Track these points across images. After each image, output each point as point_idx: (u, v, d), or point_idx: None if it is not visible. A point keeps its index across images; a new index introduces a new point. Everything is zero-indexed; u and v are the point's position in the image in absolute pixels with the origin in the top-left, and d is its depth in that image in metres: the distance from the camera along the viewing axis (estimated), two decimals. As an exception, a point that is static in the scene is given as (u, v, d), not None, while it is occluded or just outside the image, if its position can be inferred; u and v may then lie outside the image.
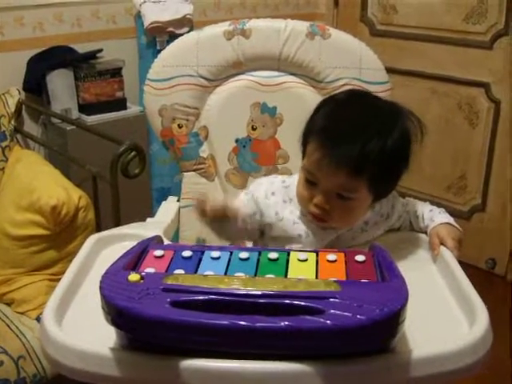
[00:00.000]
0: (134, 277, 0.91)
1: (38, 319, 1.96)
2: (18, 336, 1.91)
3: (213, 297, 0.87)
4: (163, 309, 0.84)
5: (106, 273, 0.94)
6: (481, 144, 2.97)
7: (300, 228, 1.28)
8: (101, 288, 0.89)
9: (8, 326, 1.95)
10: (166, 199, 1.72)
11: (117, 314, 0.86)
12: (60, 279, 1.90)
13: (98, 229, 2.12)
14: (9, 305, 2.06)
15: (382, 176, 1.17)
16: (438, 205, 3.02)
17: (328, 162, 1.14)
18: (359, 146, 1.12)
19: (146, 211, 2.63)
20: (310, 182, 1.20)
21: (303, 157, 1.24)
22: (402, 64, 3.04)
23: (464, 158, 3.04)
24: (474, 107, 2.96)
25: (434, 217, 1.32)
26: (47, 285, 2.05)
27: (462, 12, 2.88)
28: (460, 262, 1.18)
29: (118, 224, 2.02)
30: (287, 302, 0.86)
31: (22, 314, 2.01)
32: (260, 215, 1.29)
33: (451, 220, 1.30)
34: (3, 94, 2.46)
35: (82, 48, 2.65)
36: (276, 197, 1.31)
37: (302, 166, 1.22)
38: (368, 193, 1.18)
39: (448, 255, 1.20)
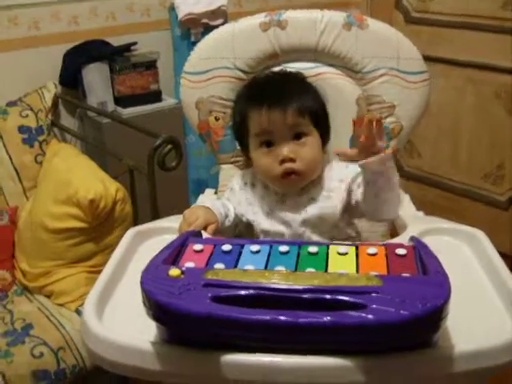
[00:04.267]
0: (174, 271, 0.91)
1: (78, 311, 1.99)
2: (57, 328, 1.93)
3: (254, 292, 0.86)
4: (204, 304, 0.83)
5: (146, 267, 0.94)
6: (519, 132, 2.92)
7: (265, 207, 1.41)
8: (142, 283, 0.89)
9: (48, 318, 1.97)
10: (203, 192, 1.72)
11: (158, 310, 0.86)
12: (98, 271, 1.93)
13: (136, 221, 2.14)
14: (48, 297, 2.09)
15: (317, 112, 1.36)
16: (475, 194, 3.05)
17: (274, 109, 1.30)
18: (293, 88, 1.35)
19: (183, 203, 2.64)
20: (267, 142, 1.34)
21: (245, 141, 1.41)
22: (437, 52, 2.99)
23: (502, 146, 2.99)
24: (512, 95, 2.91)
25: None
26: (86, 277, 2.07)
27: (500, -2, 2.83)
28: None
29: (155, 216, 2.03)
30: (329, 296, 0.85)
31: (61, 305, 2.04)
32: (233, 213, 1.42)
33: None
34: (40, 89, 2.49)
35: (116, 41, 2.66)
36: (247, 186, 1.45)
37: (252, 141, 1.37)
38: (315, 130, 1.35)
39: (488, 246, 1.18)
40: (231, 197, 1.46)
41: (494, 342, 0.91)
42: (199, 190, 2.70)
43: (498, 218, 3.04)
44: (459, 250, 1.24)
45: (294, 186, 1.37)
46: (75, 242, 2.05)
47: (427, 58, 1.48)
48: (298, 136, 1.32)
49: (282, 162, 1.31)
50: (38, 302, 2.08)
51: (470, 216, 3.11)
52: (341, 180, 1.36)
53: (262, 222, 1.40)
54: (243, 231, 1.46)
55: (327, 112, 1.41)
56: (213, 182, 1.68)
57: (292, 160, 1.31)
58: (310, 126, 1.34)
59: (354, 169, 1.34)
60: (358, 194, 1.31)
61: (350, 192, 1.35)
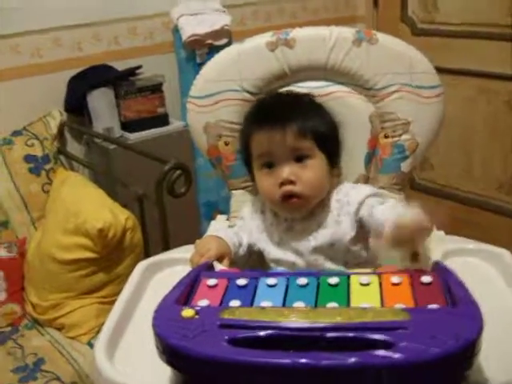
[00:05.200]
0: (187, 312, 0.86)
1: (90, 344, 1.96)
2: (69, 362, 1.90)
3: (273, 332, 0.81)
4: (221, 348, 0.78)
5: (158, 308, 0.89)
6: (533, 142, 2.87)
7: (275, 236, 1.36)
8: (154, 326, 0.85)
9: (60, 352, 1.94)
10: (214, 216, 1.67)
11: (172, 354, 0.82)
12: (110, 302, 1.89)
13: (147, 249, 2.10)
14: (59, 330, 2.06)
15: (323, 134, 1.30)
16: (490, 205, 3.00)
17: (275, 130, 1.26)
18: (296, 109, 1.31)
19: (194, 227, 2.62)
20: (268, 164, 1.29)
21: (249, 162, 1.36)
22: (446, 63, 2.95)
23: (516, 156, 2.95)
24: (525, 104, 2.86)
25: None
26: (97, 308, 2.03)
27: (507, 6, 2.78)
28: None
29: (166, 244, 1.99)
30: (353, 335, 0.80)
31: (73, 338, 2.01)
32: (246, 242, 1.36)
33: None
34: (45, 117, 2.47)
35: (120, 65, 2.63)
36: (257, 213, 1.41)
37: (255, 163, 1.33)
38: (321, 154, 1.29)
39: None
40: (243, 226, 1.41)
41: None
42: (210, 213, 2.69)
43: (513, 228, 2.99)
44: (486, 272, 1.19)
45: (296, 211, 1.32)
46: (85, 272, 2.01)
47: (436, 69, 1.43)
48: (299, 158, 1.28)
49: (282, 184, 1.26)
50: (49, 335, 2.04)
51: (486, 227, 3.06)
52: (348, 202, 1.31)
53: (273, 250, 1.35)
54: (257, 260, 1.41)
55: (337, 134, 1.36)
56: (223, 205, 1.65)
57: (292, 182, 1.26)
58: (314, 148, 1.28)
59: (361, 190, 1.32)
60: (370, 222, 1.25)
61: (361, 217, 1.29)
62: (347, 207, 1.30)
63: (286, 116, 1.28)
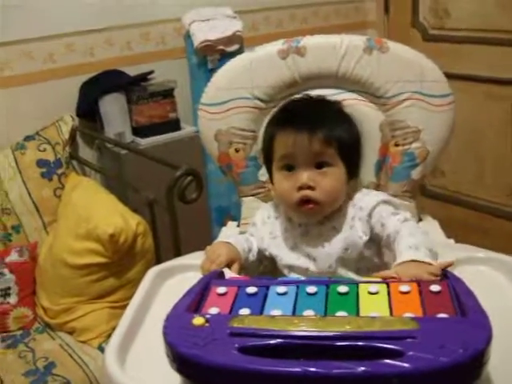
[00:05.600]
0: (198, 320, 0.86)
1: (101, 348, 1.96)
2: (80, 366, 1.90)
3: (283, 340, 0.82)
4: (231, 356, 0.79)
5: (168, 316, 0.90)
6: (544, 147, 2.86)
7: (289, 241, 1.37)
8: (164, 334, 0.85)
9: (70, 356, 1.95)
10: (225, 222, 1.68)
11: (182, 362, 0.82)
12: (121, 306, 1.90)
13: (158, 254, 2.11)
14: (71, 334, 2.06)
15: (347, 145, 1.30)
16: (502, 212, 2.99)
17: (301, 134, 1.26)
18: (325, 116, 1.32)
19: (206, 232, 2.62)
20: (288, 167, 1.30)
21: (270, 163, 1.36)
22: (456, 68, 2.94)
23: (527, 162, 2.94)
24: (535, 110, 2.85)
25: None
26: (108, 312, 2.04)
27: (517, 12, 2.79)
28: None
29: (178, 249, 2.00)
30: (363, 344, 0.80)
31: (84, 342, 2.01)
32: (257, 248, 1.38)
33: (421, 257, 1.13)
34: (57, 122, 2.48)
35: (132, 71, 2.65)
36: (270, 219, 1.42)
37: (275, 164, 1.33)
38: (341, 162, 1.29)
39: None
40: (254, 232, 1.42)
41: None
42: (222, 219, 2.70)
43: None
44: (496, 280, 1.18)
45: (311, 216, 1.32)
46: (97, 277, 2.02)
47: (447, 75, 1.44)
48: (320, 165, 1.28)
49: (300, 188, 1.27)
50: (60, 339, 2.05)
51: (497, 234, 3.05)
52: (361, 208, 1.31)
53: (286, 256, 1.35)
54: (268, 266, 1.41)
55: (359, 147, 1.38)
56: (235, 209, 1.65)
57: (310, 188, 1.26)
58: (336, 156, 1.29)
59: (374, 197, 1.33)
60: (382, 234, 1.27)
61: (373, 223, 1.30)
62: (360, 212, 1.31)
63: (314, 121, 1.28)
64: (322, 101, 1.39)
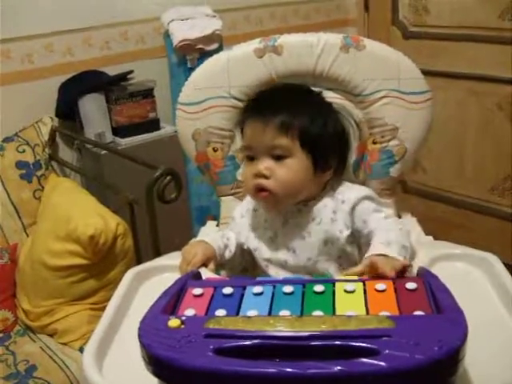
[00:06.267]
0: (174, 322, 0.86)
1: (82, 349, 1.95)
2: (61, 368, 1.89)
3: (258, 341, 0.81)
4: (206, 358, 0.79)
5: (144, 318, 0.89)
6: (525, 143, 2.88)
7: (268, 231, 1.36)
8: (139, 336, 0.85)
9: (51, 358, 1.93)
10: (205, 222, 1.68)
11: (158, 365, 0.82)
12: (102, 308, 1.88)
13: (138, 255, 2.10)
14: (51, 336, 2.05)
15: (311, 137, 1.26)
16: (483, 207, 3.01)
17: (257, 123, 1.26)
18: (286, 104, 1.28)
19: (187, 231, 2.61)
20: (249, 157, 1.29)
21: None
22: (437, 65, 2.97)
23: (507, 158, 2.94)
24: (515, 106, 2.87)
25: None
26: (89, 314, 2.03)
27: (497, 8, 2.79)
28: (505, 265, 1.15)
29: (157, 250, 1.99)
30: (338, 343, 0.80)
31: (65, 344, 2.00)
32: (235, 243, 1.37)
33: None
34: (36, 123, 2.46)
35: (112, 70, 2.63)
36: (249, 212, 1.41)
37: (242, 152, 1.35)
38: (304, 155, 1.26)
39: (501, 271, 1.14)
40: (233, 227, 1.42)
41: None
42: (202, 217, 2.69)
43: (506, 230, 3.00)
44: (472, 276, 1.19)
45: (269, 205, 1.31)
46: (77, 279, 2.01)
47: (428, 72, 1.44)
48: (277, 157, 1.26)
49: (256, 176, 1.26)
50: (41, 341, 2.03)
51: (478, 230, 3.07)
52: (343, 201, 1.31)
53: (264, 248, 1.35)
54: (250, 261, 1.41)
55: (334, 138, 1.32)
56: (215, 209, 1.64)
57: (266, 177, 1.25)
58: (295, 147, 1.25)
59: (357, 192, 1.32)
60: (364, 231, 1.28)
61: (355, 216, 1.30)
62: (342, 205, 1.30)
63: (271, 110, 1.26)
64: (293, 89, 1.39)
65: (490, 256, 1.21)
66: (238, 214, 1.43)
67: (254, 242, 1.37)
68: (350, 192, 1.33)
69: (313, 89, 1.40)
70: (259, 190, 1.27)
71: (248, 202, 1.43)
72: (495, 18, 2.81)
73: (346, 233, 1.29)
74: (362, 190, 1.34)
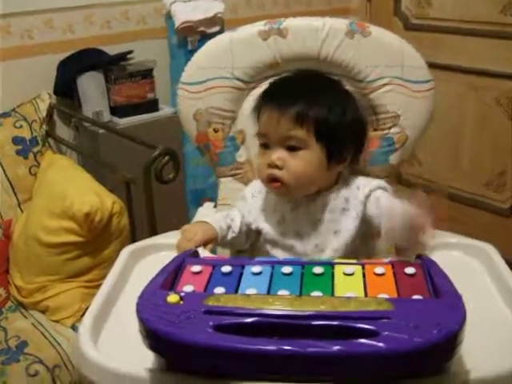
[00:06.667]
0: (173, 298, 0.86)
1: (74, 327, 1.95)
2: (53, 345, 1.89)
3: (258, 319, 0.81)
4: (206, 334, 0.79)
5: (142, 293, 0.89)
6: (522, 139, 2.88)
7: (277, 214, 1.34)
8: (138, 311, 0.85)
9: (43, 335, 1.93)
10: (201, 203, 1.68)
11: (157, 340, 0.81)
12: (95, 286, 1.89)
13: (133, 234, 2.10)
14: (43, 312, 2.04)
15: (328, 129, 1.23)
16: (477, 202, 3.01)
17: (273, 112, 1.24)
18: (303, 93, 1.25)
19: (182, 212, 2.61)
20: (264, 145, 1.28)
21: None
22: (437, 58, 2.95)
23: (503, 153, 2.95)
24: (514, 101, 2.87)
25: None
26: (82, 292, 2.03)
27: (499, 3, 2.79)
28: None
29: (153, 229, 1.99)
30: (338, 323, 0.80)
31: (56, 321, 2.00)
32: (240, 223, 1.35)
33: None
34: (34, 99, 2.45)
35: (112, 50, 2.62)
36: (261, 193, 1.39)
37: (257, 137, 1.31)
38: (318, 147, 1.23)
39: (499, 261, 1.15)
40: (242, 206, 1.39)
41: (509, 366, 0.87)
42: (197, 200, 2.69)
43: (501, 225, 3.01)
44: (469, 265, 1.20)
45: (280, 195, 1.31)
46: (71, 256, 2.00)
47: (427, 65, 1.44)
48: (290, 148, 1.24)
49: (269, 166, 1.25)
50: (33, 318, 2.03)
51: (473, 224, 3.07)
52: (358, 188, 1.30)
53: (271, 231, 1.34)
54: (255, 242, 1.39)
55: (353, 129, 1.28)
56: (211, 192, 1.64)
57: (278, 167, 1.24)
58: (310, 138, 1.23)
59: (372, 182, 1.31)
60: (376, 213, 1.23)
61: (368, 204, 1.28)
62: (356, 192, 1.29)
63: (288, 99, 1.24)
64: (311, 77, 1.35)
65: (486, 245, 1.21)
66: (248, 194, 1.41)
67: (262, 224, 1.36)
68: (364, 183, 1.31)
69: (332, 77, 1.37)
70: (272, 180, 1.26)
71: (258, 183, 1.41)
72: (497, 13, 2.81)
73: (356, 222, 1.28)
74: (376, 181, 1.32)
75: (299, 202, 1.32)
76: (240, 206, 1.40)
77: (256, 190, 1.40)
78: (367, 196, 1.28)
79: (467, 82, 3.00)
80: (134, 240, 2.04)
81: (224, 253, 1.44)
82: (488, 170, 3.04)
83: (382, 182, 1.32)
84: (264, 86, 1.41)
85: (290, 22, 1.45)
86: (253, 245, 1.40)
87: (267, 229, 1.34)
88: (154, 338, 0.82)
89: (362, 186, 1.30)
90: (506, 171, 2.98)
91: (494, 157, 2.99)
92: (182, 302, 0.86)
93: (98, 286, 1.12)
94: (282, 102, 1.24)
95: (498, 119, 2.92)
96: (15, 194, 2.30)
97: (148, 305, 0.86)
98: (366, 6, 3.39)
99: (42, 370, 1.81)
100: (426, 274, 0.97)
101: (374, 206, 1.26)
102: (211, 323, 0.80)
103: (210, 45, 1.49)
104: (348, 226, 1.29)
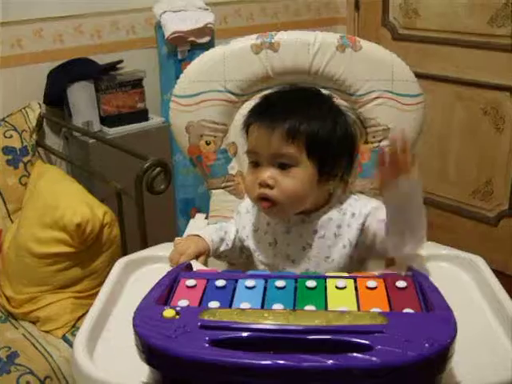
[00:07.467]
0: (169, 312, 0.87)
1: (64, 338, 1.95)
2: (43, 356, 1.88)
3: (253, 334, 0.83)
4: (203, 349, 0.80)
5: (138, 308, 0.90)
6: (507, 149, 2.90)
7: (269, 236, 1.33)
8: (135, 326, 0.86)
9: (34, 346, 1.92)
10: (191, 213, 1.69)
11: (153, 354, 0.82)
12: (86, 296, 1.88)
13: (124, 245, 2.10)
14: (34, 323, 2.03)
15: (319, 145, 1.20)
16: (464, 210, 3.03)
17: (263, 129, 1.21)
18: (293, 109, 1.22)
19: (171, 222, 2.62)
20: (254, 163, 1.25)
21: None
22: (425, 68, 2.98)
23: (490, 163, 2.98)
24: (500, 112, 2.89)
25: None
26: (73, 303, 2.02)
27: (487, 14, 2.82)
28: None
29: (144, 240, 1.99)
30: (332, 337, 0.81)
31: (47, 332, 1.98)
32: (234, 236, 1.37)
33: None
34: (24, 108, 2.44)
35: (102, 59, 2.62)
36: (254, 209, 1.37)
37: (247, 155, 1.28)
38: (310, 163, 1.20)
39: (488, 273, 1.16)
40: (237, 220, 1.40)
41: (499, 378, 0.88)
42: (187, 209, 2.69)
43: (488, 234, 3.04)
44: (458, 277, 1.22)
45: (272, 215, 1.28)
46: (62, 267, 2.00)
47: (415, 75, 1.46)
48: (283, 165, 1.21)
49: (260, 185, 1.21)
50: (23, 328, 2.02)
51: (460, 232, 3.10)
52: (353, 215, 1.27)
53: (264, 252, 1.33)
54: (249, 257, 1.39)
55: (344, 145, 1.26)
56: (200, 201, 1.65)
57: (270, 186, 1.20)
58: (301, 155, 1.20)
59: (368, 203, 1.29)
60: (377, 229, 1.21)
61: (365, 229, 1.26)
62: (351, 219, 1.27)
63: (278, 115, 1.21)
64: (302, 91, 1.34)
65: (476, 258, 1.23)
66: (243, 209, 1.40)
67: (253, 244, 1.35)
68: (359, 205, 1.29)
69: (323, 92, 1.37)
70: (262, 200, 1.23)
71: None
72: (484, 24, 2.84)
73: (349, 249, 1.27)
74: (372, 202, 1.30)
75: (291, 225, 1.30)
76: (235, 220, 1.41)
77: (250, 205, 1.39)
78: (363, 224, 1.26)
79: (454, 92, 3.03)
80: (125, 250, 2.05)
81: (218, 265, 1.44)
82: (475, 178, 3.07)
83: (376, 203, 1.28)
84: (256, 99, 1.40)
85: (282, 36, 1.46)
86: (248, 257, 1.40)
87: (259, 251, 1.35)
88: (150, 353, 0.83)
89: (358, 211, 1.27)
90: (493, 180, 3.00)
91: (481, 166, 3.02)
92: (178, 317, 0.87)
93: (88, 297, 1.12)
94: (272, 118, 1.21)
95: (485, 129, 2.95)
96: (5, 204, 2.29)
97: (144, 319, 0.87)
98: (354, 17, 3.41)
99: (32, 380, 1.79)
100: (418, 287, 0.99)
101: (371, 235, 1.24)
102: (207, 338, 0.81)
103: (202, 58, 1.50)
104: (340, 252, 1.28)
